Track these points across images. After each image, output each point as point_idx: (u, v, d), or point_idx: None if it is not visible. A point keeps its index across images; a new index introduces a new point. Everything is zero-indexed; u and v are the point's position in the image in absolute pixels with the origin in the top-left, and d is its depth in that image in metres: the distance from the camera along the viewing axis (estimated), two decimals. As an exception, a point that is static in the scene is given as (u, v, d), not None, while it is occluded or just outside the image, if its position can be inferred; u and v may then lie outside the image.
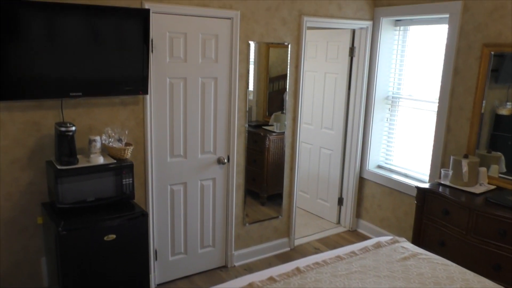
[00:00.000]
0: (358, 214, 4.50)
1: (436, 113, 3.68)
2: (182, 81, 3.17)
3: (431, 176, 3.69)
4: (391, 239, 2.77)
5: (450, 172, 3.25)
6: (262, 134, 4.03)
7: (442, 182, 3.28)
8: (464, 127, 3.41)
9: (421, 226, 3.28)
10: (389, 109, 4.28)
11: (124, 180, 2.70)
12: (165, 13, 2.98)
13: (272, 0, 3.41)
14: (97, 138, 2.72)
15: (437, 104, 3.72)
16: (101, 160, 2.66)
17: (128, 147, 2.81)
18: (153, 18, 2.88)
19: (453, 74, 3.44)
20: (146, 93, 2.92)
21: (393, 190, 4.09)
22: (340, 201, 4.58)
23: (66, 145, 2.55)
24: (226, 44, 3.29)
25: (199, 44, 3.17)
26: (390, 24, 4.08)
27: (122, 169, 2.69)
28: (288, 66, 3.70)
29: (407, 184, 3.93)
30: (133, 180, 2.75)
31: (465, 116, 3.40)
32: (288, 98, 3.79)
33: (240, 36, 3.33)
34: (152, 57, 2.96)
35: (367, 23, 4.03)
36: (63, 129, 2.53)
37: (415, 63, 4.02)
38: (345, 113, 4.38)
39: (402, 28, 4.08)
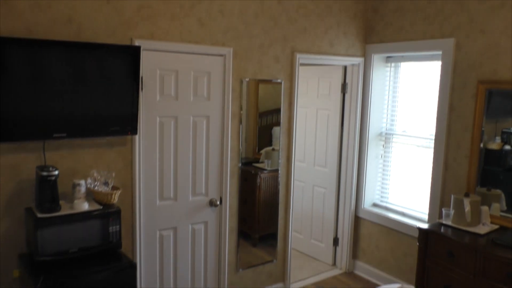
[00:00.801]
0: (354, 255, 4.32)
1: (432, 149, 3.61)
2: (173, 120, 3.03)
3: (430, 215, 3.57)
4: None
5: (452, 212, 3.14)
6: (253, 172, 3.89)
7: (444, 222, 3.16)
8: (462, 165, 3.34)
9: (425, 269, 3.12)
10: (383, 145, 4.20)
11: (110, 228, 2.49)
12: (156, 50, 2.87)
13: (264, 37, 3.36)
14: (82, 182, 2.52)
15: (432, 141, 3.66)
16: (85, 206, 2.46)
17: (115, 191, 2.62)
18: (143, 55, 2.76)
19: (449, 110, 3.40)
20: (135, 133, 2.76)
21: (391, 229, 3.95)
22: (336, 241, 4.40)
23: (47, 190, 2.35)
24: (219, 82, 3.19)
25: (190, 82, 3.06)
26: (382, 60, 4.07)
27: (109, 215, 2.49)
28: (282, 104, 3.60)
29: (405, 224, 3.80)
30: (120, 228, 2.55)
31: (463, 153, 3.33)
32: (281, 136, 3.67)
33: (233, 73, 3.24)
34: (141, 95, 2.82)
35: (359, 60, 4.01)
36: (44, 173, 2.33)
37: (408, 99, 3.98)
38: (338, 150, 4.28)
39: (393, 64, 4.07)
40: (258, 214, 3.97)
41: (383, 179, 4.23)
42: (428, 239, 3.09)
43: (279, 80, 3.53)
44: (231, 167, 3.36)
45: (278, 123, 3.76)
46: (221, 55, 3.16)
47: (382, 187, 4.24)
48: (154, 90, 2.91)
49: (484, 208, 3.11)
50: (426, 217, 3.73)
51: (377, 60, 4.03)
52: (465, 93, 3.30)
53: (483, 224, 3.09)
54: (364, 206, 4.22)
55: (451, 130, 3.40)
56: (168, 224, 3.11)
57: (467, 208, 3.05)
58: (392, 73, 4.10)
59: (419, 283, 3.14)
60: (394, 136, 4.10)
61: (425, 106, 3.81)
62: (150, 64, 2.86)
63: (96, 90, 2.54)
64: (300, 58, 3.58)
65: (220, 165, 3.31)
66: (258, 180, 3.92)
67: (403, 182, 4.01)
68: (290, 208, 3.79)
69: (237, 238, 3.53)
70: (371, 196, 4.25)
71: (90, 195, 2.61)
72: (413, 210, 3.90)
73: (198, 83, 3.09)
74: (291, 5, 3.45)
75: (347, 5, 3.81)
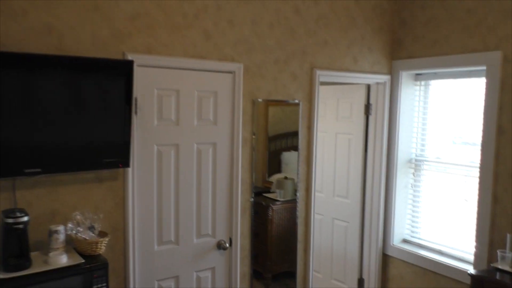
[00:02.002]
0: (383, 300, 3.76)
1: (472, 178, 3.10)
2: (173, 149, 2.55)
3: (478, 256, 3.03)
4: None
5: (510, 255, 2.60)
6: (263, 203, 3.40)
7: (500, 267, 2.62)
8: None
9: (478, 325, 2.57)
10: (413, 173, 3.69)
11: (95, 287, 1.98)
12: (153, 66, 2.42)
13: (280, 51, 2.91)
14: (60, 228, 2.04)
15: (473, 168, 3.15)
16: (63, 260, 1.96)
17: (102, 238, 2.12)
18: (137, 72, 2.31)
19: (497, 133, 2.90)
20: (128, 165, 2.28)
21: (427, 270, 3.40)
22: (361, 283, 3.85)
23: (14, 242, 1.86)
24: (227, 103, 2.73)
25: (194, 103, 2.59)
26: (410, 78, 3.60)
27: (93, 271, 1.98)
28: (300, 128, 3.13)
29: (445, 264, 3.26)
30: (107, 285, 2.04)
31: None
32: (300, 164, 3.18)
33: (244, 93, 2.78)
34: (135, 120, 2.36)
35: (385, 77, 3.54)
36: (10, 220, 1.85)
37: (441, 121, 3.49)
38: (362, 179, 3.77)
39: (423, 82, 3.60)
40: (270, 251, 3.46)
41: (413, 211, 3.71)
42: (483, 290, 2.55)
43: (296, 101, 3.06)
44: (242, 202, 2.86)
45: (288, 148, 3.32)
46: (230, 72, 2.71)
47: (412, 221, 3.71)
48: (150, 114, 2.44)
49: (548, 251, 2.59)
50: (469, 257, 3.19)
51: (405, 78, 3.56)
52: (516, 113, 2.81)
53: (548, 271, 2.55)
54: (393, 242, 3.68)
55: (500, 157, 2.90)
56: (169, 273, 2.60)
57: (530, 252, 2.52)
58: (422, 92, 3.62)
59: None
60: (425, 163, 3.59)
61: (463, 129, 3.32)
62: (146, 83, 2.40)
63: (78, 114, 2.07)
64: (320, 75, 3.12)
65: (229, 201, 2.81)
66: (270, 212, 3.43)
67: (437, 216, 3.48)
68: (310, 248, 3.27)
69: (251, 284, 3.00)
70: (400, 231, 3.72)
71: (72, 243, 2.12)
72: (452, 248, 3.36)
73: (203, 105, 2.63)
74: (310, 15, 3.01)
75: (372, 16, 3.37)
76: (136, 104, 2.34)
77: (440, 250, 3.43)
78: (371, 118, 3.69)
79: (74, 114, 2.07)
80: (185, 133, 2.58)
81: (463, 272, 3.12)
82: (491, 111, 2.93)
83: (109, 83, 2.14)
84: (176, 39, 2.46)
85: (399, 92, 3.55)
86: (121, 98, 2.18)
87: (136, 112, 2.36)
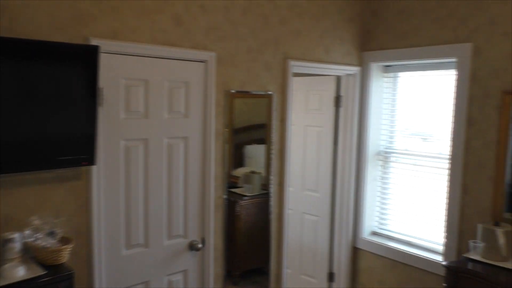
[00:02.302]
0: (353, 292, 3.76)
1: (441, 170, 3.14)
2: (141, 144, 2.35)
3: (447, 246, 3.07)
4: None
5: (481, 245, 2.64)
6: (231, 199, 3.26)
7: (472, 257, 2.65)
8: (485, 188, 2.87)
9: (453, 316, 2.59)
10: (382, 166, 3.69)
11: (59, 301, 1.76)
12: (119, 53, 2.20)
13: (253, 40, 2.76)
14: (16, 236, 1.80)
15: (442, 160, 3.19)
16: (20, 272, 1.72)
17: (65, 245, 1.89)
18: (103, 59, 2.08)
19: (467, 125, 2.94)
20: (93, 162, 2.06)
21: (397, 262, 3.42)
22: (331, 277, 3.82)
23: (-39, 254, 1.60)
24: (199, 94, 2.55)
25: (164, 95, 2.40)
26: (380, 70, 3.58)
27: (56, 283, 1.76)
28: (273, 120, 3.01)
29: (415, 256, 3.28)
30: (73, 298, 1.82)
31: (486, 174, 2.86)
32: (273, 159, 3.07)
33: (217, 84, 2.61)
34: (101, 113, 2.13)
35: (356, 69, 3.50)
36: (-44, 230, 1.58)
37: (409, 113, 3.50)
38: (331, 172, 3.73)
39: (392, 74, 3.59)
40: (239, 248, 3.34)
41: (382, 203, 3.72)
42: (459, 280, 2.56)
43: (270, 92, 2.94)
44: (215, 199, 2.71)
45: (253, 141, 3.23)
46: (202, 61, 2.53)
47: (381, 214, 3.72)
48: (117, 106, 2.22)
49: (518, 239, 2.65)
50: (439, 247, 3.23)
51: (375, 70, 3.54)
52: (486, 105, 2.85)
53: (518, 259, 2.61)
54: (363, 235, 3.67)
55: (470, 148, 2.94)
56: (138, 278, 2.40)
57: (502, 240, 2.56)
58: (391, 84, 3.62)
59: (447, 334, 2.61)
60: (393, 155, 3.60)
61: (432, 121, 3.34)
62: (112, 72, 2.18)
63: (36, 106, 1.82)
64: (294, 66, 3.02)
65: (201, 198, 2.65)
66: (238, 208, 3.30)
67: (406, 208, 3.50)
68: (283, 244, 3.18)
69: (224, 286, 2.86)
70: (370, 224, 3.71)
71: (30, 253, 1.87)
72: (421, 239, 3.40)
73: (173, 96, 2.44)
74: (283, 2, 2.89)
75: (343, 6, 3.30)
76: (101, 95, 2.11)
77: (409, 241, 3.46)
78: (341, 110, 3.64)
79: (28, 106, 1.82)
80: (154, 127, 2.38)
81: (433, 263, 3.16)
82: (461, 103, 2.96)
83: (71, 71, 1.90)
84: (144, 23, 2.25)
85: (369, 84, 3.52)
86: (85, 88, 1.95)
87: (100, 104, 2.13)
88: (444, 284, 2.63)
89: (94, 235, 2.18)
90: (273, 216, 3.11)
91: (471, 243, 2.71)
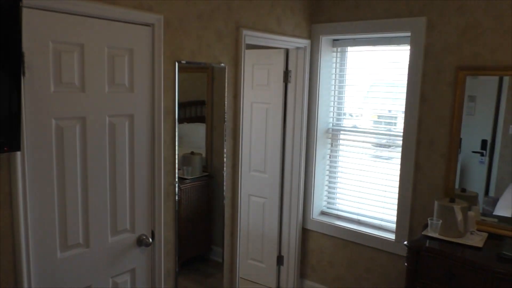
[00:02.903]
0: (303, 274, 3.66)
1: (392, 148, 3.12)
2: (78, 123, 1.93)
3: (399, 224, 3.07)
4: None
5: (439, 222, 2.64)
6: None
7: (430, 235, 2.65)
8: (438, 164, 2.88)
9: (414, 294, 2.58)
10: (331, 144, 3.60)
11: (-19, 329, 1.35)
12: (47, 9, 1.74)
13: (204, 3, 2.42)
14: None
15: (392, 137, 3.17)
16: None
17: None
18: (26, 15, 1.62)
19: (420, 102, 2.91)
20: (18, 148, 1.61)
21: (348, 241, 3.37)
22: (280, 260, 3.68)
23: None
24: (146, 64, 2.17)
25: (104, 63, 1.98)
26: (329, 44, 3.43)
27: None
28: (226, 96, 2.72)
29: (366, 234, 3.25)
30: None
31: (438, 151, 2.87)
32: (227, 138, 2.78)
33: (165, 53, 2.24)
34: (24, 84, 1.68)
35: (305, 42, 3.31)
36: None
37: (359, 89, 3.42)
38: (280, 152, 3.55)
39: (340, 49, 3.47)
40: (178, 236, 3.06)
41: (331, 183, 3.64)
42: (420, 259, 2.54)
43: (222, 65, 2.63)
44: (165, 186, 2.38)
45: (190, 119, 2.91)
46: (148, 25, 2.14)
47: (330, 193, 3.65)
48: (45, 76, 1.78)
49: (471, 214, 2.69)
50: (389, 225, 3.24)
51: (325, 43, 3.38)
52: (440, 81, 2.83)
53: (471, 233, 2.66)
54: (313, 216, 3.58)
55: (422, 125, 2.92)
56: (78, 283, 2.01)
57: (460, 216, 2.58)
58: (339, 59, 3.49)
59: (408, 312, 2.59)
60: (343, 133, 3.51)
61: (384, 98, 3.29)
62: (37, 33, 1.72)
63: None
64: (246, 36, 2.73)
65: (150, 186, 2.29)
66: (178, 193, 3.01)
67: (356, 186, 3.45)
68: (237, 231, 2.94)
69: (176, 283, 2.56)
70: (319, 203, 3.62)
71: None
72: (372, 218, 3.38)
73: (115, 66, 2.03)
74: (235, -37, 2.57)
75: (294, -28, 3.07)
76: (24, 63, 1.66)
77: (360, 220, 3.42)
78: (290, 86, 3.44)
79: None
80: (93, 103, 1.96)
81: (384, 241, 3.15)
82: (414, 79, 2.91)
83: (-16, 27, 1.44)
84: (78, -27, 1.80)
85: (318, 58, 3.36)
86: (2, 53, 1.49)
87: (23, 73, 1.67)
88: (406, 264, 2.60)
89: (21, 238, 1.74)
90: (226, 202, 2.85)
91: (429, 221, 2.70)
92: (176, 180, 2.47)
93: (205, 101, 2.97)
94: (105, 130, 2.03)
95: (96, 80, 1.95)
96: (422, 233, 2.69)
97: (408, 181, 3.00)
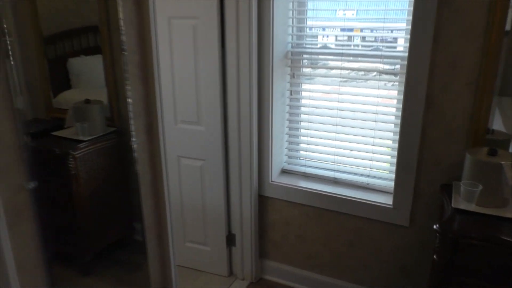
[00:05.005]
0: (263, 253, 2.73)
1: (396, 76, 2.12)
2: None
3: (400, 185, 2.16)
4: None
5: (478, 190, 1.75)
6: (57, 151, 1.89)
7: (464, 208, 1.76)
8: (462, 98, 1.94)
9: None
10: (292, 75, 2.50)
11: None
12: None
13: None
14: None
15: (387, 60, 2.15)
16: None
17: None
18: None
19: (439, 3, 1.86)
20: None
21: (323, 210, 2.44)
22: (230, 239, 2.69)
23: None
24: None
25: None
26: None
27: None
28: (121, 10, 1.43)
29: (347, 199, 2.33)
30: None
31: (464, 77, 1.91)
32: (132, 80, 1.56)
33: None
34: None
35: None
36: None
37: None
38: (221, 91, 2.38)
39: None
40: (85, 223, 2.04)
41: (291, 129, 2.60)
42: (458, 247, 1.66)
43: None
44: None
45: (79, 52, 1.93)
46: None
47: (291, 143, 2.62)
48: None
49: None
50: (381, 184, 2.34)
51: None
52: (472, -35, 1.78)
53: (516, 198, 1.82)
54: (272, 178, 2.56)
55: (440, 38, 1.91)
56: None
57: (510, 178, 1.70)
58: None
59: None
60: (311, 57, 2.41)
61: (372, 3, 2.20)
62: None
63: None
64: None
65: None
66: (72, 164, 1.93)
67: (327, 133, 2.45)
68: (164, 202, 1.84)
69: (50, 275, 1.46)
70: (278, 159, 2.60)
71: None
72: (353, 174, 2.44)
73: None
74: None
75: None
76: None
77: (335, 178, 2.48)
78: (228, -11, 2.20)
79: None
80: None
81: (375, 208, 2.26)
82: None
83: None
84: None
85: None
86: None
87: None
88: (436, 256, 1.70)
89: None
90: (142, 167, 1.71)
91: (463, 187, 1.79)
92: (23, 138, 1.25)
93: (97, 27, 1.85)
94: None
95: None
96: (452, 205, 1.79)
97: (414, 123, 2.04)
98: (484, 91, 1.86)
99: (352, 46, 2.26)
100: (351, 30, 2.26)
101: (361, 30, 2.25)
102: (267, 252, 2.71)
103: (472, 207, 1.74)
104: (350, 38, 2.31)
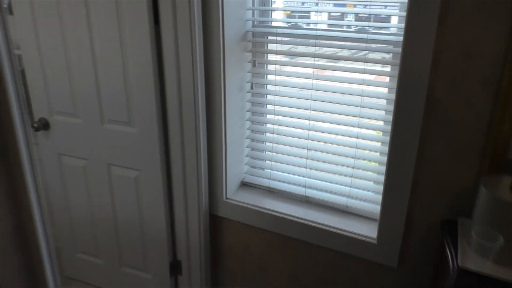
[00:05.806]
0: (219, 282, 2.20)
1: (391, 62, 1.55)
2: None
3: (386, 213, 1.60)
4: None
5: (499, 243, 1.19)
6: None
7: (472, 269, 1.21)
8: (475, 100, 1.36)
9: None
10: (253, 62, 1.92)
11: None
12: None
13: None
14: None
15: (382, 36, 1.58)
16: None
17: None
18: None
19: (449, -39, 1.27)
20: None
21: (289, 238, 1.90)
22: (175, 267, 2.16)
23: None
24: None
25: None
26: None
27: None
28: None
29: (321, 229, 1.79)
30: None
31: (479, 73, 1.33)
32: None
33: None
34: None
35: None
36: None
37: None
38: (155, 82, 1.81)
39: None
40: None
41: (252, 132, 2.03)
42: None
43: None
44: None
45: None
46: None
47: (253, 149, 2.05)
48: None
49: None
50: (363, 206, 1.79)
51: None
52: None
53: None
54: (228, 194, 2.01)
55: (449, 16, 1.33)
56: None
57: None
58: None
59: None
60: (271, 37, 1.83)
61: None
62: None
63: None
64: None
65: None
66: None
67: (299, 140, 1.88)
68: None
69: None
70: (236, 170, 2.04)
71: None
72: (330, 193, 1.89)
73: None
74: None
75: None
76: None
77: (307, 197, 1.93)
78: None
79: None
80: None
81: (355, 242, 1.71)
82: None
83: None
84: None
85: None
86: None
87: None
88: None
89: None
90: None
91: (475, 237, 1.23)
92: None
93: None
94: None
95: None
96: (460, 264, 1.23)
97: (410, 132, 1.47)
98: (509, 91, 1.29)
99: (327, 26, 1.67)
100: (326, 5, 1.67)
101: (342, 6, 1.66)
102: (223, 281, 2.18)
103: (487, 268, 1.19)
104: (328, 16, 1.73)
